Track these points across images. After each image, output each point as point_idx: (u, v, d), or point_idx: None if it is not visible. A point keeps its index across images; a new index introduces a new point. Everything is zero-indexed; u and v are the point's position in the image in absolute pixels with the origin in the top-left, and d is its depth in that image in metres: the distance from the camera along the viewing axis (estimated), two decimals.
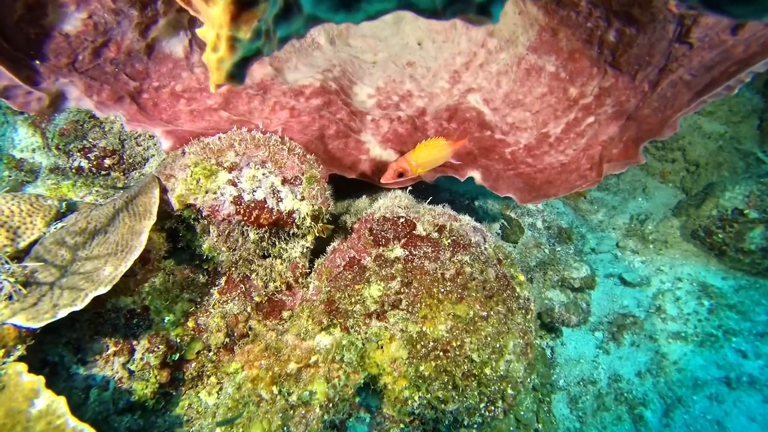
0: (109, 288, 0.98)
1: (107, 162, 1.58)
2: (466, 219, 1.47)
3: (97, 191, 1.33)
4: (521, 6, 1.56)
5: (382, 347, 1.20)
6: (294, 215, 1.19)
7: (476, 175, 1.63)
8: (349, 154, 1.48)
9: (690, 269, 2.75)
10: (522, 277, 1.43)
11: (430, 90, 1.75)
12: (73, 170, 1.57)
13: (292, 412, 1.09)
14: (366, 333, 1.21)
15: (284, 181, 1.19)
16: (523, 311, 1.38)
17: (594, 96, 1.57)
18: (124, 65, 1.19)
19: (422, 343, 1.19)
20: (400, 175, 1.38)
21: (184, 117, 1.29)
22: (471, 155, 1.65)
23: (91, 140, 1.56)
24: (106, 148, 1.56)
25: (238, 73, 0.48)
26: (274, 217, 1.16)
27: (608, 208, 3.14)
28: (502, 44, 1.75)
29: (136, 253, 1.03)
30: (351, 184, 1.70)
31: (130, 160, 1.60)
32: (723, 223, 2.51)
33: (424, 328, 1.19)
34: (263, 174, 1.16)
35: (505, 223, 2.24)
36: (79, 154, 1.56)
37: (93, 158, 1.56)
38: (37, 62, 1.02)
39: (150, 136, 1.64)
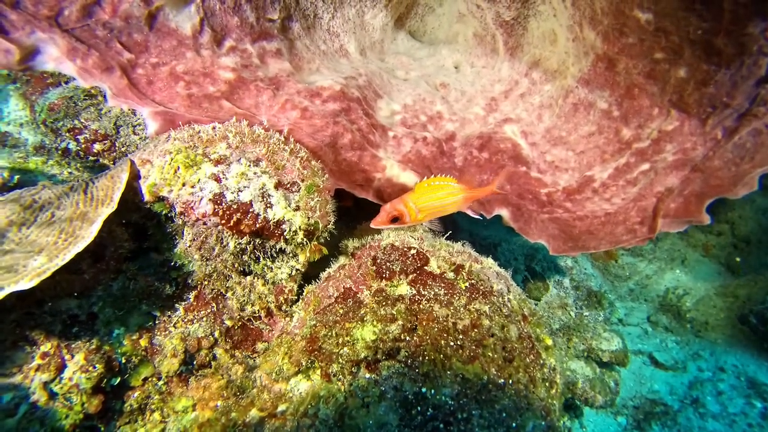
0: (34, 283, 0.78)
1: (97, 147, 1.42)
2: (489, 262, 1.24)
3: (69, 173, 1.16)
4: (576, 32, 1.39)
5: (368, 406, 0.94)
6: (283, 226, 0.98)
7: (505, 214, 1.40)
8: (362, 170, 1.28)
9: (736, 360, 2.40)
10: (549, 341, 1.18)
11: (462, 114, 1.57)
12: (60, 151, 1.41)
13: None
14: (351, 385, 0.96)
15: (278, 185, 0.99)
16: (548, 384, 1.12)
17: (652, 140, 1.36)
18: (119, 32, 1.04)
19: (419, 408, 0.93)
20: (395, 219, 1.10)
21: (179, 101, 1.13)
22: (501, 190, 1.44)
23: (83, 121, 1.41)
24: (98, 132, 1.41)
25: None
26: (258, 225, 0.95)
27: (641, 276, 2.85)
28: (548, 75, 1.58)
29: (81, 245, 0.83)
30: (360, 206, 1.49)
31: (123, 149, 1.44)
32: None
33: (423, 390, 0.94)
34: (254, 173, 0.97)
35: (529, 277, 1.98)
36: (68, 134, 1.41)
37: (82, 141, 1.41)
38: (7, 7, 0.87)
39: None
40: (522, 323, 1.13)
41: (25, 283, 0.78)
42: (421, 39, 1.92)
